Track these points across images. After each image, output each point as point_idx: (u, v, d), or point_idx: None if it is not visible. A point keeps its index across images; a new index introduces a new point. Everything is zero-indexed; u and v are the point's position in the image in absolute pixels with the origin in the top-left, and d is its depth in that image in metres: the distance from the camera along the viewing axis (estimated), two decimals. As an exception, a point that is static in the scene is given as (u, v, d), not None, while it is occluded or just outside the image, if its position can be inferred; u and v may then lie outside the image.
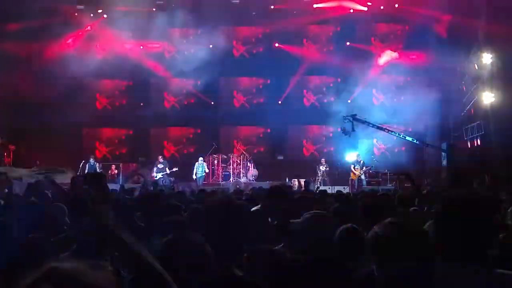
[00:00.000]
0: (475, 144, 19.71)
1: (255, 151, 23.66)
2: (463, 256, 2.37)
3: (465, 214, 2.42)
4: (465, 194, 2.51)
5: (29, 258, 2.97)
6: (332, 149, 23.60)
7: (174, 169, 20.64)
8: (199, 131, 24.34)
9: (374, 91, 23.76)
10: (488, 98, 18.87)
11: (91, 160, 20.61)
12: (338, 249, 3.47)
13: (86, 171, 19.54)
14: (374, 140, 23.51)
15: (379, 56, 23.11)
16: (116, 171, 21.34)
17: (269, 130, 24.11)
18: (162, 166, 20.80)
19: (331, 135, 23.65)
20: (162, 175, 20.54)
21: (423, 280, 2.30)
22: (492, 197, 6.36)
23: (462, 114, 20.29)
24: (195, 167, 20.97)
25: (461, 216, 2.42)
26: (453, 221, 2.43)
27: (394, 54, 22.91)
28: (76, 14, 22.85)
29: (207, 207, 3.62)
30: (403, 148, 22.83)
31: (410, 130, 21.60)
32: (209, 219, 3.17)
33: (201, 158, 21.28)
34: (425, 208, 6.43)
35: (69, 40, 22.57)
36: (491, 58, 18.70)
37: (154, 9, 22.71)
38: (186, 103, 24.39)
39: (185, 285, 2.40)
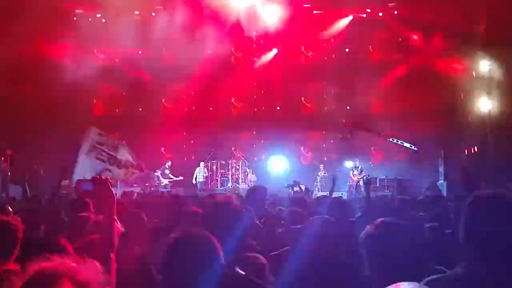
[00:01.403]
0: (473, 151, 19.77)
1: (254, 157, 23.67)
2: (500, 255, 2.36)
3: (497, 211, 2.42)
4: (494, 192, 2.52)
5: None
6: (331, 155, 23.62)
7: (179, 178, 20.84)
8: (197, 137, 24.35)
9: (371, 98, 23.76)
10: (485, 105, 18.95)
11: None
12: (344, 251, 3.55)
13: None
14: (372, 148, 23.55)
15: (377, 63, 23.14)
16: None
17: (268, 136, 24.10)
18: (169, 172, 21.07)
19: (330, 141, 23.69)
20: (168, 181, 20.76)
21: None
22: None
23: (460, 121, 20.35)
24: (196, 172, 21.17)
25: (493, 213, 2.42)
26: (486, 219, 2.42)
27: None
28: (74, 18, 22.89)
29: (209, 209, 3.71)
30: (401, 155, 22.86)
31: (407, 137, 21.66)
32: (210, 220, 3.26)
33: (202, 163, 21.43)
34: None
35: (67, 45, 22.51)
36: (489, 65, 18.79)
37: (153, 14, 22.76)
38: (184, 108, 24.43)
39: (191, 281, 2.46)
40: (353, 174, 20.70)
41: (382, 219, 2.72)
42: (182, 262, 2.46)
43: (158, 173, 21.18)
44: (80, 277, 1.70)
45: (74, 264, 1.72)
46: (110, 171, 16.30)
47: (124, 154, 17.48)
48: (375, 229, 2.66)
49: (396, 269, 2.33)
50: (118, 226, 3.43)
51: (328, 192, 10.04)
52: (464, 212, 2.51)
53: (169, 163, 21.80)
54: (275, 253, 4.38)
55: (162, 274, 2.54)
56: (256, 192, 6.17)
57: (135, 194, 12.53)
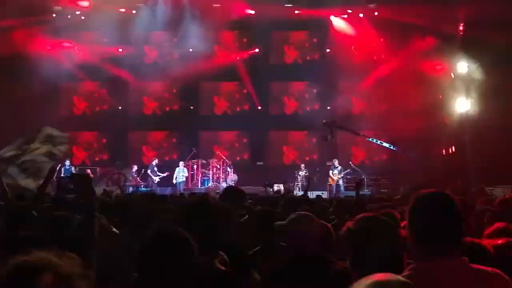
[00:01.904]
0: (450, 151, 20.02)
1: (235, 156, 23.68)
2: (436, 250, 2.49)
3: (433, 208, 2.56)
4: (435, 190, 2.65)
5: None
6: (312, 155, 23.75)
7: (166, 174, 21.03)
8: (178, 136, 24.33)
9: (353, 98, 23.93)
10: (463, 106, 19.19)
11: (67, 164, 20.57)
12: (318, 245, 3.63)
13: (62, 174, 19.50)
14: (353, 148, 23.74)
15: (359, 64, 23.26)
16: (92, 175, 21.14)
17: (249, 136, 24.17)
18: (157, 169, 21.42)
19: (312, 141, 23.82)
20: (159, 178, 21.12)
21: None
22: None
23: (438, 121, 20.58)
24: (176, 172, 21.16)
25: (428, 209, 2.56)
26: (425, 214, 2.56)
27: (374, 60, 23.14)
28: (54, 15, 22.73)
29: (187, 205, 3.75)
30: (382, 154, 23.09)
31: (387, 137, 21.87)
32: (188, 216, 3.29)
33: (181, 163, 21.41)
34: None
35: (47, 41, 22.31)
36: (467, 66, 19.02)
37: (133, 11, 22.70)
38: (165, 107, 24.43)
39: (170, 277, 2.50)
40: (332, 174, 20.86)
41: (363, 214, 2.80)
42: (158, 259, 2.49)
43: (148, 171, 21.26)
44: (62, 270, 1.68)
45: (55, 258, 1.70)
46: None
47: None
48: (356, 224, 2.72)
49: (379, 263, 2.39)
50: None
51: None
52: (408, 211, 2.64)
53: (156, 160, 21.83)
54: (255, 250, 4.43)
55: (138, 272, 2.56)
56: (232, 191, 6.16)
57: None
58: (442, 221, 2.52)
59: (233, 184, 20.67)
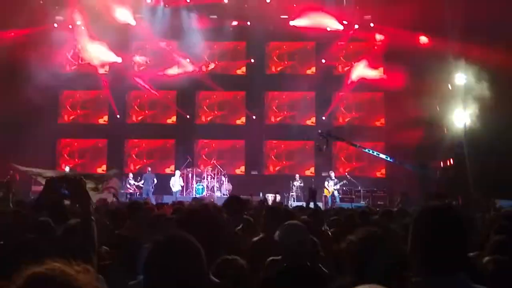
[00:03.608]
0: (448, 164, 19.94)
1: (230, 166, 23.58)
2: (439, 267, 2.39)
3: (439, 224, 2.45)
4: (439, 204, 2.56)
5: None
6: (307, 165, 23.65)
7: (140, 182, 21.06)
8: (174, 144, 24.26)
9: (349, 109, 23.93)
10: (461, 118, 19.13)
11: (67, 169, 20.64)
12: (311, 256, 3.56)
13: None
14: (348, 159, 23.67)
15: (354, 74, 23.28)
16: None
17: (244, 145, 24.11)
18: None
19: (306, 151, 23.75)
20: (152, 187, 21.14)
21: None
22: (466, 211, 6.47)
23: (436, 133, 20.52)
24: (172, 180, 21.14)
25: (435, 225, 2.45)
26: (428, 231, 2.45)
27: (370, 72, 23.13)
28: (55, 25, 22.76)
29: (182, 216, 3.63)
30: (379, 166, 23.04)
31: (383, 148, 21.85)
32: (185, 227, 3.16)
33: (178, 172, 21.37)
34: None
35: (47, 51, 22.32)
36: (465, 78, 18.99)
37: (132, 22, 22.86)
38: (161, 116, 24.39)
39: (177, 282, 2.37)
40: (328, 185, 20.73)
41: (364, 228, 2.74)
42: (165, 264, 2.39)
43: (149, 180, 21.17)
44: (75, 281, 1.67)
45: (68, 268, 1.70)
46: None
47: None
48: (357, 236, 2.64)
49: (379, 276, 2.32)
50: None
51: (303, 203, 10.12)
52: (412, 225, 2.54)
53: (149, 169, 21.80)
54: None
55: (144, 276, 2.46)
56: (232, 201, 6.14)
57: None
58: (446, 237, 2.42)
59: (227, 193, 20.69)
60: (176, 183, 21.18)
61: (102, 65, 23.28)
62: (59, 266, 1.69)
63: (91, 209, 3.34)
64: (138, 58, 23.67)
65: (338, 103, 23.62)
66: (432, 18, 18.49)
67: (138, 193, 21.11)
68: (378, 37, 22.86)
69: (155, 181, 21.29)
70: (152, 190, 21.10)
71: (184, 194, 21.39)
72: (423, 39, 20.75)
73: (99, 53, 22.91)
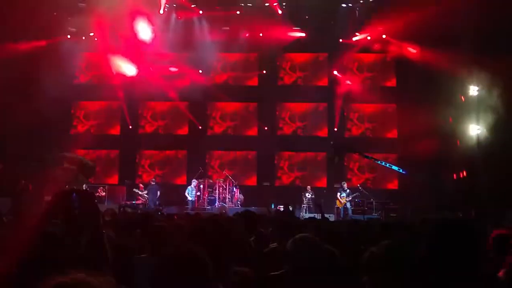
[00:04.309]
0: (461, 175, 19.79)
1: (242, 177, 23.57)
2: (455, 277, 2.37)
3: (455, 236, 2.44)
4: (454, 218, 2.55)
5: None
6: (319, 176, 23.58)
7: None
8: (185, 154, 24.32)
9: (359, 120, 23.88)
10: (474, 129, 19.01)
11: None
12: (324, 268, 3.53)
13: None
14: (360, 170, 23.57)
15: (366, 85, 23.25)
16: (104, 194, 21.13)
17: (256, 156, 24.12)
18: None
19: (318, 162, 23.69)
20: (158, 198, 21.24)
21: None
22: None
23: (449, 145, 20.40)
24: (188, 190, 21.22)
25: (452, 238, 2.44)
26: (445, 243, 2.44)
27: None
28: (68, 36, 22.96)
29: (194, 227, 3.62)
30: (391, 177, 22.91)
31: (396, 159, 21.76)
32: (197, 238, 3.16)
33: (194, 181, 21.46)
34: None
35: (60, 62, 22.48)
36: (477, 90, 18.88)
37: (145, 34, 22.93)
38: (173, 126, 24.48)
39: None
40: (340, 197, 20.63)
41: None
42: (172, 278, 2.42)
43: (153, 191, 21.29)
44: None
45: (91, 279, 1.72)
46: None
47: None
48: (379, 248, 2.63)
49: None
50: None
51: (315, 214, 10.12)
52: (426, 236, 2.56)
53: (154, 180, 22.06)
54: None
55: None
56: (246, 218, 6.20)
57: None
58: (460, 250, 2.38)
59: (239, 204, 20.68)
60: (191, 192, 21.24)
61: (115, 76, 23.44)
62: (83, 276, 1.70)
63: (101, 221, 3.33)
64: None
65: (351, 114, 23.60)
66: (445, 29, 18.37)
67: (146, 204, 21.09)
68: (391, 48, 22.77)
69: (159, 193, 21.32)
70: (158, 201, 21.08)
71: (196, 204, 21.39)
72: (435, 50, 20.61)
73: (112, 64, 23.12)
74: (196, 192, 21.65)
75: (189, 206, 20.65)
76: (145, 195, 21.15)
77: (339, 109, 23.47)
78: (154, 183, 21.64)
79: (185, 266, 2.45)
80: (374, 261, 2.63)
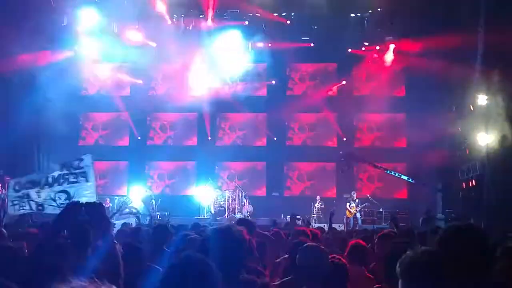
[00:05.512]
0: (470, 185, 19.68)
1: (251, 187, 23.55)
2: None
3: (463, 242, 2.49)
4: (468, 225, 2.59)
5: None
6: (328, 186, 23.53)
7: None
8: (194, 165, 24.35)
9: (368, 129, 23.85)
10: (483, 139, 18.90)
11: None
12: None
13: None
14: (368, 180, 23.51)
15: (377, 96, 23.20)
16: (110, 204, 21.12)
17: (265, 166, 24.11)
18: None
19: (327, 172, 23.65)
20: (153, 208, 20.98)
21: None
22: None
23: (458, 154, 20.32)
24: (200, 199, 21.31)
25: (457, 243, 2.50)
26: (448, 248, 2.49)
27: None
28: (75, 47, 23.04)
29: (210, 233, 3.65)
30: (401, 186, 22.82)
31: (405, 169, 21.70)
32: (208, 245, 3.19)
33: (206, 191, 21.53)
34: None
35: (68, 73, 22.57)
36: (487, 99, 18.80)
37: (151, 44, 23.01)
38: (181, 137, 24.53)
39: None
40: (350, 207, 20.57)
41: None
42: (180, 286, 2.43)
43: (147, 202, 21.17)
44: None
45: (91, 286, 1.73)
46: None
47: None
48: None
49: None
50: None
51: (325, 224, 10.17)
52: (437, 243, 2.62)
53: (147, 191, 22.03)
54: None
55: None
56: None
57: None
58: (471, 257, 2.41)
59: (248, 215, 20.59)
60: (204, 202, 21.34)
61: (123, 87, 23.57)
62: (84, 285, 1.72)
63: (112, 232, 3.36)
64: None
65: (360, 124, 23.60)
66: (453, 39, 18.36)
67: (158, 215, 20.98)
68: (399, 58, 22.75)
69: (154, 202, 21.19)
70: (154, 212, 20.78)
71: (205, 215, 21.41)
72: (443, 60, 20.58)
73: (120, 75, 23.27)
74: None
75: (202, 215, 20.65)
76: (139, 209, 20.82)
77: (348, 119, 23.45)
78: (148, 194, 21.57)
79: (193, 275, 2.45)
80: (413, 266, 2.59)
